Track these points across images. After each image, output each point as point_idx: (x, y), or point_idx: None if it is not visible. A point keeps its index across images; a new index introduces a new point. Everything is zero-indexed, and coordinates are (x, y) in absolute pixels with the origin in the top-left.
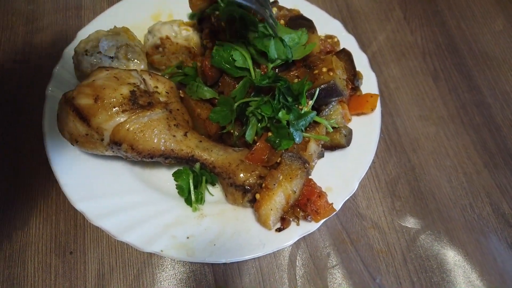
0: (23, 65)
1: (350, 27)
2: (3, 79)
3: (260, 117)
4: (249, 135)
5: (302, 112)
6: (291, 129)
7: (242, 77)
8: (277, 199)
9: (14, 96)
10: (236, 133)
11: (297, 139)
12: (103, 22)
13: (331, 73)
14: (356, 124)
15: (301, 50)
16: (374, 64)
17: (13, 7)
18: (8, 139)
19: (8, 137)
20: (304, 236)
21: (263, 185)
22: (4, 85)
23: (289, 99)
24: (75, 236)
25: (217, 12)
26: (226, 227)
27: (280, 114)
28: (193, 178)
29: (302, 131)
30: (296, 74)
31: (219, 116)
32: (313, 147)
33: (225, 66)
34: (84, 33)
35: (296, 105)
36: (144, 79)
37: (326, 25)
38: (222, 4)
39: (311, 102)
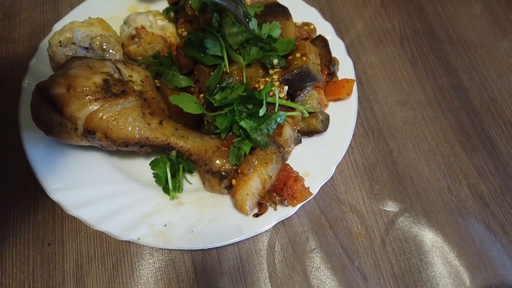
0: (1, 60)
1: (328, 15)
2: None
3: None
4: (221, 125)
5: (262, 116)
6: (254, 136)
7: (216, 65)
8: (253, 184)
9: None
10: (208, 121)
11: (263, 143)
12: (79, 14)
13: (304, 58)
14: (333, 109)
15: (284, 46)
16: (352, 51)
17: None
18: None
19: None
20: (282, 221)
21: (239, 171)
22: None
23: (249, 106)
24: (53, 227)
25: (189, 1)
26: (203, 214)
27: (242, 123)
28: (170, 167)
29: (268, 132)
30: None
31: (178, 100)
32: (288, 132)
33: (198, 54)
34: (59, 26)
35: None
36: (118, 68)
37: (303, 12)
38: None
39: (286, 88)
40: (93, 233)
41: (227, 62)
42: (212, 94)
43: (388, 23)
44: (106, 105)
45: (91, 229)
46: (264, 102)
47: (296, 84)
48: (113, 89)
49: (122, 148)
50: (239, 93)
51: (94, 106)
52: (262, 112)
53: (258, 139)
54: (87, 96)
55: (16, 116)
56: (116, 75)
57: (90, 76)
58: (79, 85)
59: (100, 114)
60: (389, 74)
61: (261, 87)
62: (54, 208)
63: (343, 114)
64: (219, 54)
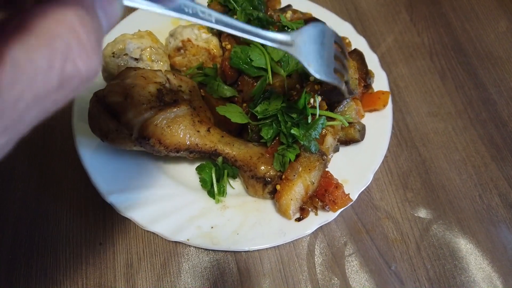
0: None
1: (360, 29)
2: None
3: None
4: (266, 135)
5: (309, 122)
6: (304, 143)
7: (260, 76)
8: (297, 189)
9: None
10: (252, 129)
11: (313, 148)
12: (127, 26)
13: None
14: (369, 120)
15: None
16: (384, 64)
17: None
18: (38, 138)
19: (38, 136)
20: (321, 226)
21: (283, 176)
22: None
23: (294, 115)
24: (104, 228)
25: (235, 16)
26: (247, 218)
27: (293, 131)
28: (215, 172)
29: (315, 139)
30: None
31: (226, 111)
32: (329, 140)
33: (243, 66)
34: (109, 37)
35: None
36: (168, 79)
37: (338, 27)
38: (238, 9)
39: (319, 98)
40: (141, 234)
41: (270, 73)
42: (255, 106)
43: (417, 38)
44: (160, 113)
45: (139, 230)
46: (307, 110)
47: (335, 97)
48: (166, 98)
49: (173, 153)
50: (278, 104)
51: (150, 114)
52: (310, 119)
53: (308, 144)
54: (143, 104)
55: (68, 121)
56: (167, 85)
57: (145, 85)
58: (136, 94)
59: (155, 122)
60: (419, 86)
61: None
62: (105, 210)
63: (379, 124)
64: (264, 66)
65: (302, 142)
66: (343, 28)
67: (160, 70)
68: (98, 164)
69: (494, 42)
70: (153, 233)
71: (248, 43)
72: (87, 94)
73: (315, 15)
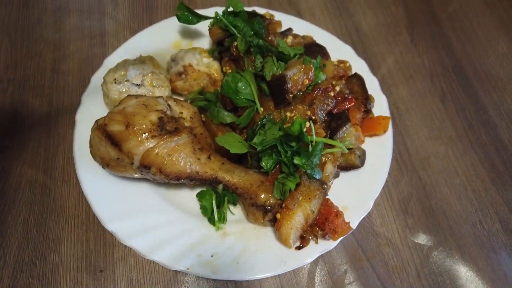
0: (52, 91)
1: (361, 51)
2: (34, 103)
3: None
4: (266, 164)
5: (310, 149)
6: (308, 171)
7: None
8: (297, 218)
9: (45, 120)
10: (252, 157)
11: (317, 176)
12: (128, 50)
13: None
14: (369, 145)
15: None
16: (384, 86)
17: (41, 36)
18: (39, 162)
19: (39, 159)
20: (322, 254)
21: (283, 205)
22: (35, 109)
23: (293, 144)
24: (105, 254)
25: (235, 43)
26: (248, 245)
27: (296, 161)
28: (216, 199)
29: (316, 165)
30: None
31: (225, 141)
32: (329, 168)
33: (233, 95)
34: (110, 61)
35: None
36: (169, 105)
37: (338, 50)
38: (240, 36)
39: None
40: (142, 261)
41: (258, 105)
42: (252, 137)
43: (418, 59)
44: (161, 142)
45: (140, 257)
46: (305, 137)
47: (336, 120)
48: (167, 127)
49: (174, 181)
50: (275, 132)
51: (151, 143)
52: (311, 148)
53: (312, 172)
54: (144, 133)
55: (68, 145)
56: (169, 112)
57: (147, 114)
58: (137, 123)
59: (156, 151)
60: (420, 109)
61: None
62: (105, 236)
63: (379, 150)
64: (250, 98)
65: (306, 171)
66: (344, 51)
67: (162, 97)
68: (98, 191)
69: (494, 64)
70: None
71: (241, 70)
72: (88, 119)
73: (315, 37)
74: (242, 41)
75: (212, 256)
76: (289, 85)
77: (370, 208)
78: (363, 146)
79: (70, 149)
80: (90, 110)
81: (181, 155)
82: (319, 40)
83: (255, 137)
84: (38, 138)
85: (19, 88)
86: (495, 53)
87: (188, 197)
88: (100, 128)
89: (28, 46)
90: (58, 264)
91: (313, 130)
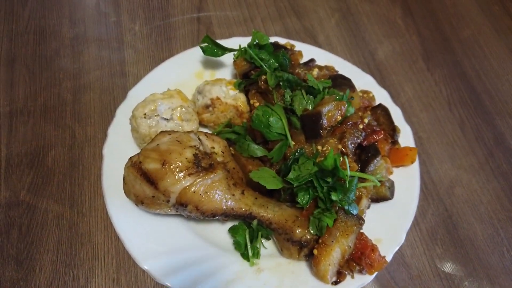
0: (74, 123)
1: (378, 80)
2: (56, 136)
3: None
4: (302, 200)
5: (347, 184)
6: (346, 207)
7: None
8: (335, 254)
9: (69, 153)
10: (285, 191)
11: (355, 211)
12: (150, 81)
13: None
14: (396, 176)
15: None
16: (404, 115)
17: (60, 66)
18: (65, 196)
19: (65, 194)
20: None
21: (320, 241)
22: (58, 142)
23: (329, 179)
24: None
25: (263, 77)
26: (283, 281)
27: (333, 197)
28: (249, 233)
29: (354, 200)
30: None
31: (259, 177)
32: (364, 202)
33: (264, 129)
34: (133, 94)
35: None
36: (201, 140)
37: (360, 79)
38: (268, 70)
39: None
40: None
41: (290, 139)
42: (286, 173)
43: (435, 87)
44: (198, 180)
45: None
46: (341, 173)
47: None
48: (202, 163)
49: (209, 218)
50: (309, 166)
51: (188, 181)
52: (347, 183)
53: (348, 208)
54: (181, 171)
55: (94, 180)
56: (201, 148)
57: (182, 151)
58: (174, 160)
59: (193, 189)
60: (440, 137)
61: (326, 150)
62: (137, 274)
63: (407, 181)
64: (282, 132)
65: (343, 206)
66: (365, 81)
67: (193, 131)
68: (130, 228)
69: (509, 91)
70: None
71: (270, 103)
72: (115, 154)
73: (337, 68)
74: (271, 76)
75: None
76: (324, 121)
77: (403, 241)
78: (390, 177)
79: (96, 183)
80: (117, 144)
81: (217, 192)
82: (340, 70)
83: (290, 173)
84: (62, 172)
85: (40, 120)
86: (508, 82)
87: (219, 231)
88: (135, 165)
89: (47, 77)
90: None
91: (347, 165)
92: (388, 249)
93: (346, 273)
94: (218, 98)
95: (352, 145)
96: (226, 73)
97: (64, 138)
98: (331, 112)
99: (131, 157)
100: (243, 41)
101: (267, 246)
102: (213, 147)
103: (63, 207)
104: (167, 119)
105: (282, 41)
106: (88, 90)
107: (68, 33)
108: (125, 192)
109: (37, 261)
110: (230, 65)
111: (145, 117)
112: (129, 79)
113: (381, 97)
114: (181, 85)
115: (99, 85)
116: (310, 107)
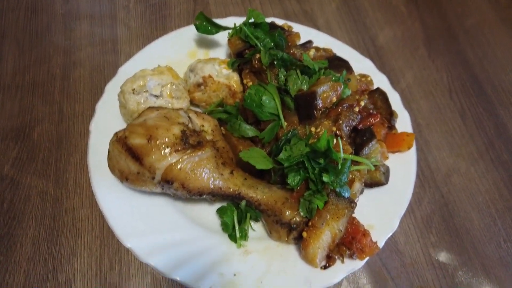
0: (63, 98)
1: (378, 65)
2: (44, 111)
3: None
4: (293, 181)
5: (340, 166)
6: (337, 189)
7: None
8: (324, 238)
9: (56, 129)
10: (276, 172)
11: (346, 194)
12: (142, 59)
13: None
14: (392, 161)
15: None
16: (404, 101)
17: (51, 42)
18: (50, 172)
19: (50, 170)
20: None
21: (310, 223)
22: (45, 117)
23: (321, 161)
24: (120, 271)
25: (258, 56)
26: (271, 264)
27: (325, 178)
28: (237, 215)
29: (345, 183)
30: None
31: (249, 157)
32: (357, 186)
33: (257, 109)
34: (124, 70)
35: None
36: (190, 118)
37: (359, 63)
38: (262, 49)
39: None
40: (160, 279)
41: (282, 119)
42: (277, 153)
43: (436, 75)
44: (185, 156)
45: (157, 275)
46: (334, 155)
47: (361, 135)
48: (190, 140)
49: (196, 197)
50: (301, 148)
51: (174, 158)
52: (340, 166)
53: (341, 191)
54: (167, 147)
55: (80, 156)
56: (190, 125)
57: (169, 127)
58: (160, 136)
59: (179, 166)
60: (440, 125)
61: (320, 131)
62: (121, 252)
63: (403, 167)
64: (276, 112)
65: (335, 189)
66: (364, 65)
67: (182, 109)
68: (114, 205)
69: None
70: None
71: (264, 82)
72: (102, 130)
73: (335, 50)
74: (265, 54)
75: (234, 275)
76: (319, 102)
77: (396, 227)
78: (386, 162)
79: (82, 160)
80: (105, 121)
81: (204, 170)
82: (338, 54)
83: (281, 153)
84: (48, 147)
85: (27, 95)
86: None
87: (207, 212)
88: (120, 140)
89: (37, 53)
90: (71, 280)
91: (341, 147)
92: (380, 235)
93: (336, 257)
94: (210, 76)
95: (347, 128)
96: (221, 53)
97: (51, 114)
98: (326, 92)
99: (116, 132)
100: (239, 21)
101: (256, 229)
102: (203, 125)
103: (48, 183)
104: (157, 95)
105: (279, 22)
106: (79, 67)
107: (61, 9)
108: (109, 168)
109: (18, 237)
110: (225, 45)
111: (133, 93)
112: (121, 57)
113: (380, 82)
114: (174, 63)
115: (90, 62)
116: (304, 88)
